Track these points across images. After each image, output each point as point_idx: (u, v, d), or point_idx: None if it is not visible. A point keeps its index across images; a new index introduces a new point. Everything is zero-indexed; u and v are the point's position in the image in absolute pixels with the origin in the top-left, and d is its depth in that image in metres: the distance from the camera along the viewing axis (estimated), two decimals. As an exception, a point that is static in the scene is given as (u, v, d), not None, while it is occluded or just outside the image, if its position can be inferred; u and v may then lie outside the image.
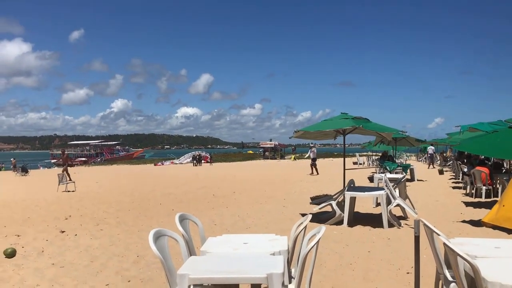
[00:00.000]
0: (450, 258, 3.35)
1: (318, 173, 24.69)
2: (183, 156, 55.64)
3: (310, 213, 5.30)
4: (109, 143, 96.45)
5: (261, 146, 65.70)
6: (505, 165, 16.28)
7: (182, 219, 4.33)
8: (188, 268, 3.26)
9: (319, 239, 3.38)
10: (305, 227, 4.08)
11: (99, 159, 74.01)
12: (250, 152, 75.10)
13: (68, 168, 21.03)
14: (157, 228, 3.64)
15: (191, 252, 4.10)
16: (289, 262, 4.01)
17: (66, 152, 25.44)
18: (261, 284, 3.35)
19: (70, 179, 18.56)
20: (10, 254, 6.63)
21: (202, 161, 46.44)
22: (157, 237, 3.62)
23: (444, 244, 3.27)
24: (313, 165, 25.41)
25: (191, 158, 49.65)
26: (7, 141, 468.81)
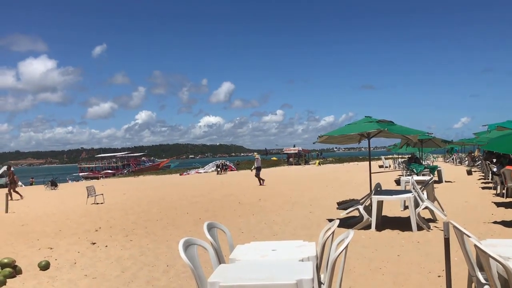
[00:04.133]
0: (482, 260, 3.31)
1: (261, 184, 22.48)
2: (207, 165, 56.00)
3: (338, 218, 5.29)
4: (134, 154, 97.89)
5: (285, 152, 65.60)
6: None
7: (211, 227, 4.38)
8: (218, 276, 3.30)
9: (347, 244, 3.39)
10: (333, 232, 4.08)
11: (125, 171, 75.09)
12: (274, 158, 75.06)
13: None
14: (187, 237, 3.70)
15: (220, 260, 4.15)
16: (318, 268, 4.01)
17: (12, 169, 22.30)
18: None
19: (12, 199, 18.45)
20: (44, 266, 6.81)
21: (227, 170, 46.66)
22: (187, 246, 3.68)
23: (475, 246, 3.23)
24: (257, 175, 23.09)
25: (215, 167, 49.94)
26: (36, 156, 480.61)
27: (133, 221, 11.68)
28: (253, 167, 24.95)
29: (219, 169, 45.18)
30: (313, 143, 10.75)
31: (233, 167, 52.17)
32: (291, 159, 61.39)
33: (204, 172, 50.84)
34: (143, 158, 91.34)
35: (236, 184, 24.82)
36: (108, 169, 77.09)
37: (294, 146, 64.82)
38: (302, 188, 20.01)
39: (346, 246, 3.37)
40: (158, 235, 9.40)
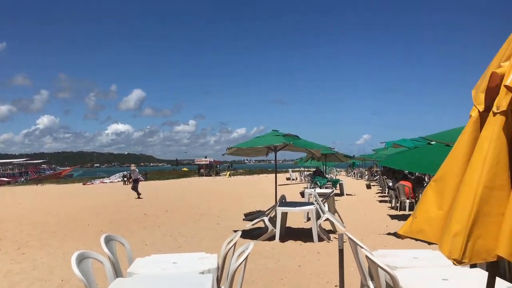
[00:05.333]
0: (372, 269, 3.50)
1: (139, 197, 21.35)
2: (114, 175, 53.78)
3: (241, 230, 5.33)
4: (34, 161, 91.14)
5: (196, 163, 65.08)
6: (426, 179, 17.28)
7: (108, 240, 4.19)
8: (113, 291, 3.16)
9: (247, 256, 3.41)
10: (235, 244, 4.09)
11: (23, 179, 69.65)
12: (185, 169, 74.01)
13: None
14: (81, 251, 3.50)
15: (118, 274, 3.98)
16: (218, 280, 3.99)
17: None
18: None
19: None
20: None
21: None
22: (81, 259, 3.48)
23: (366, 256, 3.42)
24: (134, 188, 21.98)
25: (122, 177, 48.09)
26: None
27: (28, 233, 10.84)
28: (130, 179, 23.97)
29: (125, 179, 43.55)
30: (222, 155, 10.80)
31: (142, 177, 50.61)
32: (202, 170, 61.00)
33: (110, 182, 48.75)
34: (43, 165, 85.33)
35: (143, 195, 24.10)
36: (3, 177, 71.01)
37: (206, 157, 64.56)
38: (212, 199, 19.95)
39: (246, 257, 3.40)
40: (54, 248, 8.80)
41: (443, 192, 2.38)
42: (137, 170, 23.77)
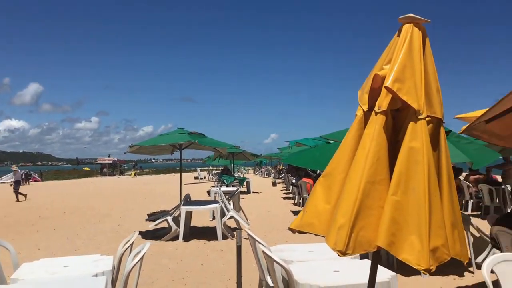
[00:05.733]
0: (268, 264, 3.58)
1: (18, 200, 19.47)
2: (6, 175, 49.63)
3: (143, 230, 5.18)
4: None
5: (99, 162, 62.21)
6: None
7: (-10, 245, 3.84)
8: (-9, 300, 2.90)
9: (143, 256, 3.31)
10: (132, 244, 3.96)
11: None
12: (87, 169, 70.48)
13: None
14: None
15: (1, 281, 3.66)
16: (113, 282, 3.84)
17: None
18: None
19: None
20: None
21: (30, 180, 42.00)
22: (-46, 268, 3.15)
23: (263, 251, 3.48)
24: (16, 190, 20.04)
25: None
26: None
27: None
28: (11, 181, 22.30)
29: (21, 180, 40.44)
30: (124, 153, 10.46)
31: (38, 177, 47.25)
32: (105, 170, 58.50)
33: (1, 183, 44.94)
34: None
35: (39, 196, 22.54)
36: None
37: (109, 156, 62.02)
38: (114, 200, 19.20)
39: (142, 258, 3.30)
40: None
41: (331, 187, 2.49)
42: (19, 171, 22.05)
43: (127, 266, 3.39)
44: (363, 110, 2.47)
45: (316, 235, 2.55)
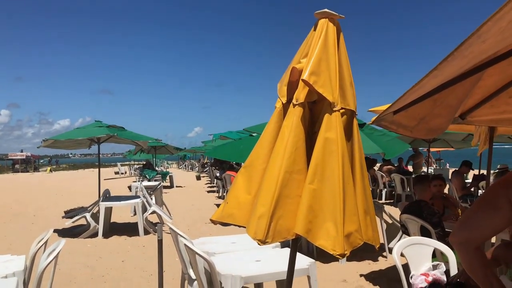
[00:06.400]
0: (190, 257, 3.57)
1: None
2: None
3: (59, 228, 4.94)
4: None
5: (10, 157, 58.10)
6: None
7: None
8: None
9: (58, 253, 3.16)
10: (45, 242, 3.76)
11: None
12: (-4, 165, 65.59)
13: None
14: None
15: None
16: (26, 283, 3.62)
17: None
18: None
19: None
20: None
21: None
22: None
23: (185, 244, 3.46)
24: None
25: None
26: None
27: None
28: None
29: None
30: (38, 147, 9.85)
31: None
32: (17, 166, 54.77)
33: None
34: None
35: None
36: None
37: (22, 151, 58.16)
38: (28, 197, 18.05)
39: (57, 256, 3.15)
40: None
41: (251, 177, 2.53)
42: None
43: (41, 265, 3.21)
44: (282, 102, 2.52)
45: (237, 226, 2.58)
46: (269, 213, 2.25)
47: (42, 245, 3.71)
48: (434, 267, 3.24)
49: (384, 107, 5.13)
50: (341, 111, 2.35)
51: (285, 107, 2.49)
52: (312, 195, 2.27)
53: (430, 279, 3.12)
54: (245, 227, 2.41)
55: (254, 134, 9.56)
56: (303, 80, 2.32)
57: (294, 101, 2.39)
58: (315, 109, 2.45)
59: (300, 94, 2.38)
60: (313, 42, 2.40)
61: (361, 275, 5.57)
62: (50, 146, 9.49)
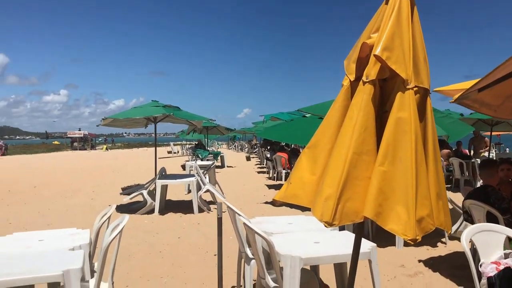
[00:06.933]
0: (249, 236, 3.56)
1: None
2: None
3: (117, 204, 5.09)
4: None
5: (69, 136, 60.86)
6: (300, 150, 18.24)
7: (-41, 219, 3.69)
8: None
9: (122, 229, 3.24)
10: (109, 218, 3.87)
11: None
12: (56, 142, 68.91)
13: None
14: None
15: (-29, 256, 3.53)
16: (91, 256, 3.76)
17: None
18: (60, 282, 3.07)
19: None
20: None
21: (2, 153, 40.54)
22: None
23: (244, 223, 3.46)
24: None
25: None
26: None
27: None
28: None
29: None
30: (97, 126, 10.19)
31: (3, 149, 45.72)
32: (75, 144, 57.34)
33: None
34: None
35: (8, 171, 21.99)
36: None
37: (80, 130, 60.76)
38: (86, 174, 18.87)
39: (121, 231, 3.22)
40: None
41: (316, 158, 2.46)
42: None
43: (106, 239, 3.31)
44: (349, 80, 2.42)
45: (298, 208, 2.53)
46: (337, 194, 2.18)
47: (106, 220, 3.82)
48: (506, 256, 3.07)
49: (451, 87, 4.88)
50: (415, 89, 2.22)
51: (353, 85, 2.39)
52: (382, 177, 2.17)
53: (501, 267, 2.96)
54: (308, 208, 2.35)
55: (307, 115, 9.44)
56: (375, 56, 2.20)
57: (364, 78, 2.28)
58: (386, 87, 2.33)
59: (371, 71, 2.27)
60: (385, 15, 2.27)
61: (419, 261, 5.41)
62: (109, 124, 9.79)
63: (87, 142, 58.66)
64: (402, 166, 2.17)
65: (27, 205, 10.36)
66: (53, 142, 69.70)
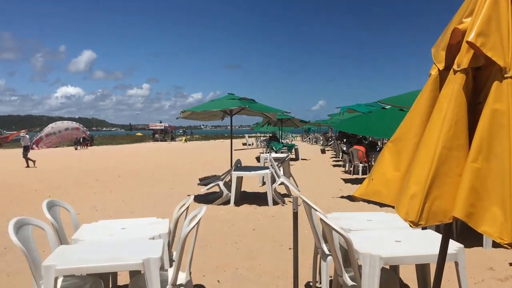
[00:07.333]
0: (326, 232, 3.46)
1: (29, 165, 19.37)
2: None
3: (195, 194, 5.20)
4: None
5: (151, 128, 63.84)
6: (379, 144, 17.68)
7: (51, 205, 3.96)
8: (55, 259, 2.97)
9: (199, 220, 3.28)
10: (187, 208, 3.95)
11: (-33, 143, 66.11)
12: (139, 134, 72.61)
13: None
14: (19, 217, 3.27)
15: (62, 241, 3.77)
16: (170, 245, 3.87)
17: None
18: (140, 270, 3.18)
19: None
20: None
21: (88, 144, 43.28)
22: (19, 226, 3.26)
23: (321, 219, 3.37)
24: (25, 156, 19.76)
25: (73, 141, 46.31)
26: None
27: (-32, 200, 10.27)
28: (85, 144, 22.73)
29: (79, 144, 41.76)
30: (177, 118, 10.52)
31: (88, 141, 48.64)
32: (157, 135, 60.06)
33: (55, 147, 46.74)
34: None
35: (96, 161, 23.46)
36: None
37: (161, 122, 63.49)
38: (166, 164, 19.65)
39: (198, 221, 3.26)
40: (-2, 215, 8.38)
41: (400, 152, 2.31)
42: (27, 136, 21.66)
43: (184, 229, 3.37)
44: (438, 69, 2.24)
45: (376, 204, 2.40)
46: (424, 192, 2.03)
47: (184, 210, 3.90)
48: None
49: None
50: (514, 78, 2.00)
51: (442, 74, 2.21)
52: (475, 174, 1.99)
53: None
54: (387, 204, 2.23)
55: (387, 107, 9.08)
56: (468, 42, 2.01)
57: (455, 67, 2.09)
58: (480, 76, 2.13)
59: (463, 58, 2.07)
60: (480, -3, 2.07)
61: (510, 264, 5.01)
62: (188, 117, 10.07)
63: (167, 134, 61.15)
64: (498, 163, 1.97)
65: (112, 193, 10.96)
66: (136, 134, 73.45)
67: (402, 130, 2.35)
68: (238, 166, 9.58)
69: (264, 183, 9.83)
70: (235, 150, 10.97)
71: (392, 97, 8.39)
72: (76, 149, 39.51)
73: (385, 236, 3.55)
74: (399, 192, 2.18)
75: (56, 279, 2.87)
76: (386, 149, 2.39)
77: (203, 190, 9.33)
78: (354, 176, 13.53)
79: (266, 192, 8.84)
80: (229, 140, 11.03)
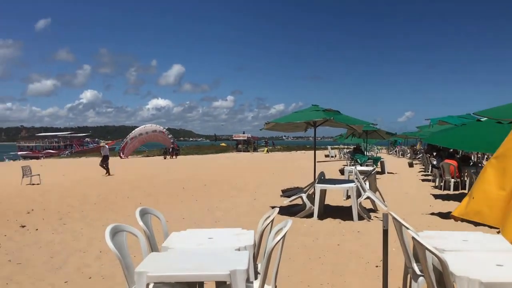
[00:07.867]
0: (418, 251, 3.28)
1: (108, 174, 20.72)
2: (157, 149, 54.54)
3: (278, 206, 5.19)
4: (78, 135, 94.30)
5: (234, 138, 65.33)
6: (472, 158, 16.57)
7: (144, 213, 4.14)
8: (147, 266, 3.08)
9: (285, 233, 3.25)
10: (272, 220, 3.94)
11: (68, 152, 72.09)
12: (223, 144, 74.64)
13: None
14: (115, 224, 3.45)
15: (153, 248, 3.92)
16: (255, 257, 3.87)
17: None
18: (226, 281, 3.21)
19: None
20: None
21: (177, 154, 44.89)
22: (115, 232, 3.43)
23: (413, 237, 3.19)
24: (103, 165, 21.05)
25: (162, 151, 48.60)
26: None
27: (69, 204, 11.13)
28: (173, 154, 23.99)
29: (168, 154, 43.52)
30: (260, 129, 10.64)
31: (174, 151, 50.44)
32: (240, 146, 61.31)
33: (146, 156, 49.24)
34: (86, 139, 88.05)
35: (182, 169, 24.41)
36: (50, 149, 73.70)
37: (244, 133, 64.75)
38: (249, 175, 19.94)
39: (284, 235, 3.24)
40: (94, 219, 8.98)
41: (506, 170, 2.13)
42: (106, 146, 23.06)
43: (270, 242, 3.36)
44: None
45: (472, 223, 2.21)
46: (535, 215, 1.84)
47: (269, 222, 3.89)
48: None
49: None
50: None
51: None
52: None
53: None
54: (480, 224, 2.04)
55: (483, 119, 8.49)
56: None
57: None
58: None
59: None
60: None
61: None
62: (271, 128, 10.15)
63: (250, 145, 62.19)
64: None
65: (198, 201, 11.31)
66: (221, 144, 75.59)
67: (507, 145, 2.16)
68: (322, 179, 9.45)
69: (348, 197, 9.60)
70: (317, 162, 10.82)
71: (490, 109, 7.79)
72: (165, 158, 41.42)
73: (485, 258, 3.27)
74: (505, 213, 2.00)
75: (147, 285, 2.98)
76: (489, 166, 2.21)
77: (285, 201, 9.31)
78: (445, 192, 12.78)
79: (350, 206, 8.61)
80: (311, 151, 10.94)
